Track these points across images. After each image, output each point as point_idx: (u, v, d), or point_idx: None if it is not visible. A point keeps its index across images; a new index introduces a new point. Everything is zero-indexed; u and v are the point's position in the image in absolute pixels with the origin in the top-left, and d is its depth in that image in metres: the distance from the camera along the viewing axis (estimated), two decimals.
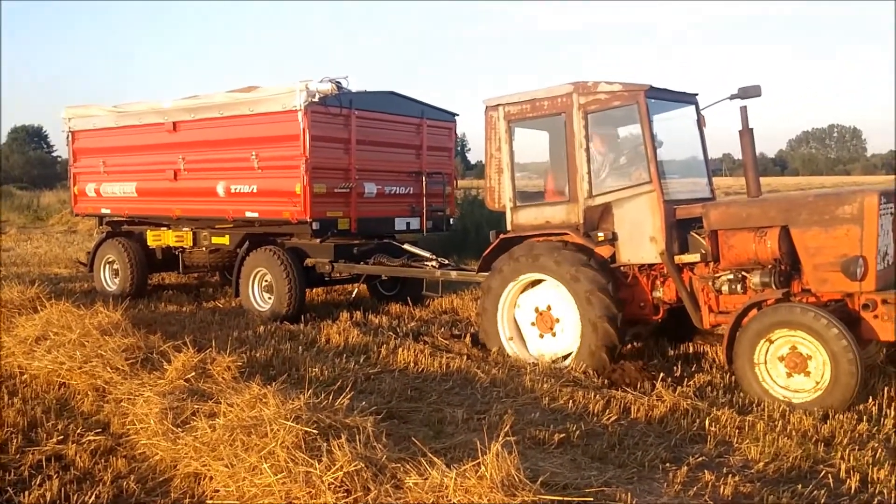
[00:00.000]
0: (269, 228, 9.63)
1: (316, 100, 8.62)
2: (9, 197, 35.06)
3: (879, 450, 4.53)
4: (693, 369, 6.72)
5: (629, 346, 7.33)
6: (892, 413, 5.25)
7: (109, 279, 11.37)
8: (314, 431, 4.27)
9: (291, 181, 8.83)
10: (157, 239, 10.83)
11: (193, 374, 5.90)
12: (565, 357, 6.77)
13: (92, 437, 4.92)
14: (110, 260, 11.30)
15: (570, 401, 5.61)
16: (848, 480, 4.16)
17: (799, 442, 4.69)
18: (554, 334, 6.87)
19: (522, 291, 7.07)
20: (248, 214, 9.49)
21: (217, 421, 4.68)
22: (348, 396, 5.05)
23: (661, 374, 6.27)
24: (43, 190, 39.87)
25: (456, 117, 10.72)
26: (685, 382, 6.13)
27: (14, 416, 5.41)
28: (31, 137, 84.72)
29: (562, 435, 4.84)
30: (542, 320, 6.93)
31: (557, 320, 6.83)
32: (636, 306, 6.85)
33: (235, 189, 9.52)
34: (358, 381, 6.29)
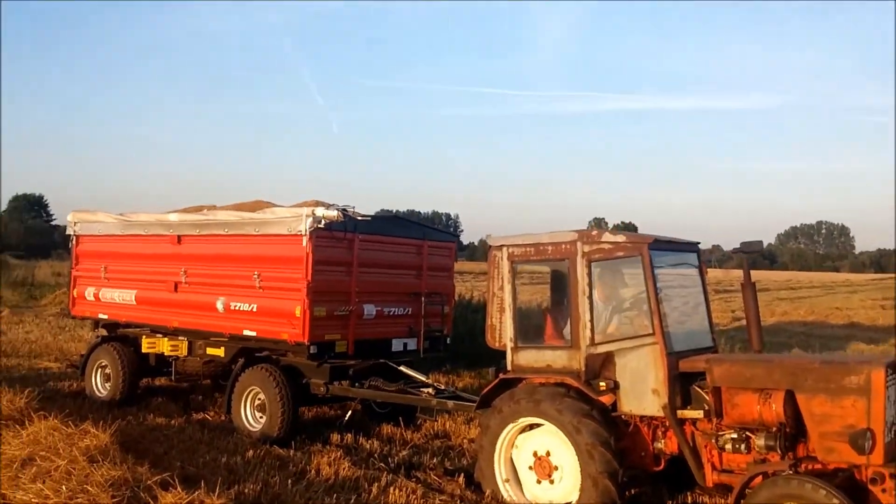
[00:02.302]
0: (265, 345, 9.59)
1: (321, 225, 8.74)
2: (5, 268, 34.99)
3: None
4: None
5: (628, 491, 7.19)
6: None
7: (101, 384, 11.26)
8: None
9: (292, 303, 8.86)
10: (151, 346, 10.75)
11: None
12: None
13: None
14: (103, 365, 11.21)
15: None
16: None
17: None
18: (552, 481, 6.75)
19: (521, 433, 6.99)
20: (246, 332, 9.48)
21: None
22: None
23: None
24: (38, 260, 39.92)
25: (457, 238, 10.89)
26: None
27: None
28: (32, 206, 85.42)
29: None
30: (540, 466, 6.82)
31: (556, 467, 6.72)
32: (637, 455, 6.75)
33: (235, 306, 9.54)
34: None
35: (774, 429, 5.89)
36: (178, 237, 10.28)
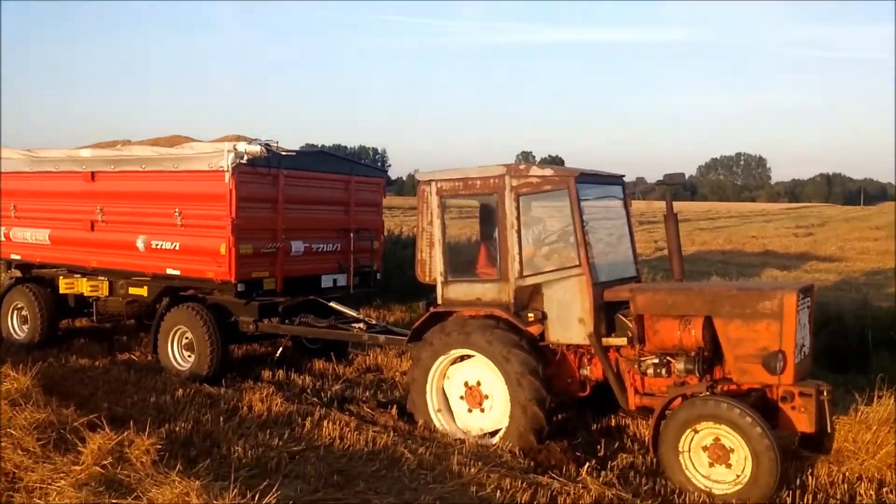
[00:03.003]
0: (191, 283, 9.36)
1: (244, 161, 8.45)
2: None
3: None
4: (616, 447, 6.89)
5: (555, 417, 7.46)
6: (804, 501, 5.52)
7: (17, 327, 10.83)
8: None
9: (216, 241, 8.62)
10: (70, 286, 10.33)
11: (110, 459, 5.64)
12: (493, 433, 6.84)
13: None
14: (19, 307, 10.77)
15: (498, 489, 5.64)
16: None
17: None
18: (483, 410, 6.94)
19: (452, 364, 7.13)
20: (170, 271, 9.21)
21: None
22: (275, 495, 4.93)
23: (586, 456, 6.44)
24: None
25: (385, 173, 10.77)
26: (608, 465, 6.28)
27: None
28: None
29: None
30: (471, 395, 7.00)
31: (486, 396, 6.91)
32: (563, 382, 7.01)
33: (156, 245, 9.22)
34: (282, 462, 6.15)
35: (693, 353, 6.17)
36: (92, 174, 9.78)
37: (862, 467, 6.14)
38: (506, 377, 6.62)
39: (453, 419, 7.14)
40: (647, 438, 6.25)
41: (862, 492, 5.83)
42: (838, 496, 5.81)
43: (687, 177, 7.31)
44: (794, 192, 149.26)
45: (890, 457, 6.07)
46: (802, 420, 5.85)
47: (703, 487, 5.70)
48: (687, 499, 5.63)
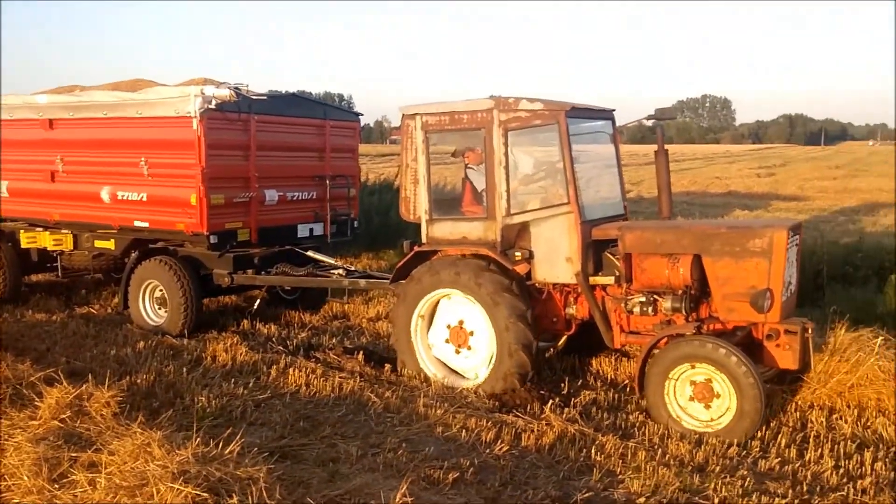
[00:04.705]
0: (160, 236, 9.10)
1: (213, 106, 8.13)
2: None
3: (749, 478, 4.88)
4: (580, 384, 6.97)
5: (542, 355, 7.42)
6: (759, 435, 5.65)
7: None
8: (204, 494, 4.12)
9: (186, 191, 8.33)
10: (32, 241, 9.97)
11: (69, 412, 5.54)
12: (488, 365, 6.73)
13: None
14: None
15: (464, 429, 5.70)
16: None
17: (676, 472, 4.97)
18: (469, 347, 6.85)
19: (435, 306, 7.01)
20: (137, 224, 8.92)
21: (98, 478, 4.44)
22: (239, 443, 4.89)
23: (550, 394, 6.51)
24: None
25: (360, 117, 10.49)
26: (572, 402, 6.36)
27: None
28: None
29: (455, 473, 4.90)
30: (455, 335, 6.89)
31: (472, 333, 6.80)
32: (549, 321, 6.96)
33: (122, 196, 8.91)
34: (248, 410, 6.13)
35: (680, 292, 6.14)
36: (50, 121, 9.36)
37: (814, 395, 6.30)
38: (493, 321, 6.52)
39: (439, 359, 7.02)
40: (634, 377, 6.21)
41: (813, 419, 6.01)
42: (791, 423, 5.98)
43: (653, 121, 7.18)
44: (758, 133, 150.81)
45: (840, 385, 6.22)
46: (787, 357, 5.91)
47: (673, 415, 5.78)
48: (647, 431, 5.72)
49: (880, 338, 6.35)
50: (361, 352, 7.64)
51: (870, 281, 9.96)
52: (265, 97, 8.83)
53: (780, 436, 5.63)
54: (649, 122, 7.19)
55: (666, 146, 6.86)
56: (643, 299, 6.34)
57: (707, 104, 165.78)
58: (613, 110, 7.39)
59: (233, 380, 6.82)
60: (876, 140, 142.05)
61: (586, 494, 4.69)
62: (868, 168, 43.18)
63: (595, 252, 6.61)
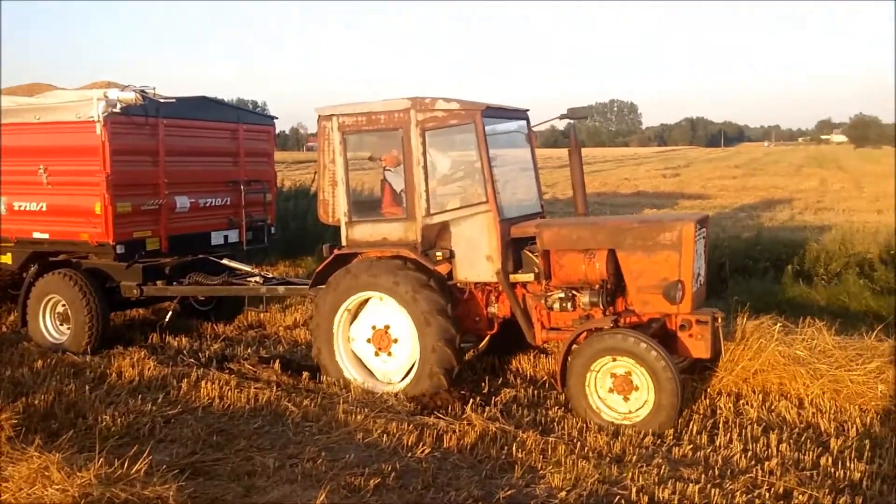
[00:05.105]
0: (62, 248, 8.60)
1: (117, 109, 7.75)
2: None
3: (664, 466, 4.99)
4: (500, 382, 7.01)
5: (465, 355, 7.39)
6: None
7: None
8: None
9: (90, 199, 7.90)
10: None
11: None
12: (404, 377, 6.70)
13: None
14: None
15: (384, 434, 5.61)
16: (639, 502, 4.55)
17: (595, 464, 5.04)
18: (390, 353, 6.76)
19: (359, 308, 6.89)
20: (37, 235, 8.42)
21: None
22: (146, 461, 4.67)
23: (471, 393, 6.50)
24: None
25: (275, 120, 10.22)
26: (492, 400, 6.37)
27: None
28: None
29: (377, 479, 4.82)
30: (379, 339, 6.78)
31: (395, 340, 6.72)
32: (471, 321, 6.94)
33: (19, 206, 8.41)
34: (156, 427, 5.85)
35: (598, 286, 6.24)
36: None
37: (721, 383, 6.54)
38: (414, 318, 6.45)
39: (362, 365, 6.90)
40: (554, 372, 6.27)
41: (721, 405, 6.22)
42: (701, 410, 6.18)
43: (565, 124, 7.29)
44: (663, 136, 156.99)
45: (745, 372, 6.47)
46: (699, 347, 6.07)
47: (592, 406, 5.86)
48: (566, 425, 5.79)
49: (778, 324, 6.65)
50: (278, 360, 7.43)
51: (768, 272, 10.47)
52: (173, 100, 8.48)
53: (691, 423, 5.80)
54: (562, 122, 7.29)
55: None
56: (562, 295, 6.42)
57: (615, 108, 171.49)
58: (527, 110, 7.48)
59: (140, 396, 6.51)
60: (770, 141, 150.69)
61: (509, 492, 4.69)
62: (764, 168, 45.65)
63: (514, 250, 6.66)
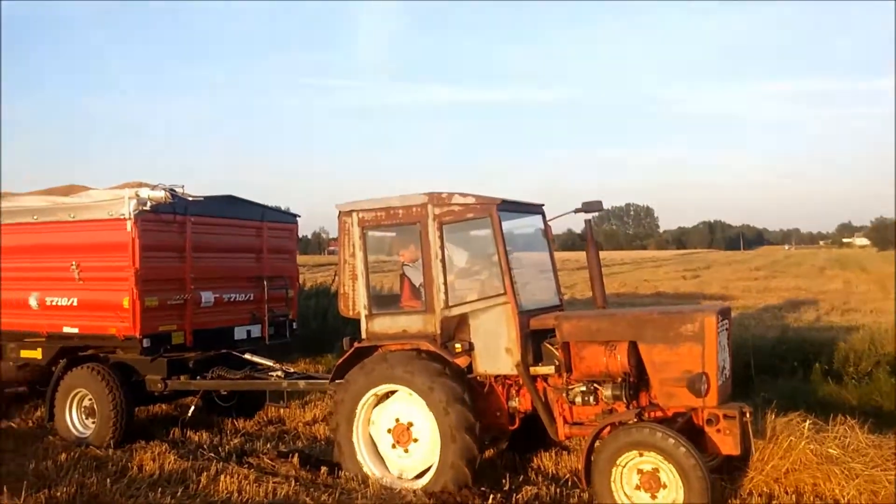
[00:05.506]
0: (91, 342, 8.78)
1: (147, 207, 8.10)
2: None
3: None
4: (521, 480, 6.86)
5: (487, 451, 7.29)
6: None
7: None
8: None
9: (119, 294, 8.15)
10: None
11: None
12: (423, 473, 6.58)
13: None
14: None
15: None
16: None
17: None
18: (407, 450, 6.70)
19: (378, 403, 6.87)
20: (67, 329, 8.63)
21: None
22: None
23: (491, 490, 6.38)
24: None
25: (298, 218, 10.55)
26: (513, 498, 6.25)
27: None
28: None
29: None
30: (399, 435, 6.73)
31: (416, 440, 6.66)
32: (492, 415, 6.87)
33: (52, 301, 8.67)
34: None
35: (620, 379, 6.18)
36: None
37: (752, 483, 6.33)
38: (432, 408, 6.42)
39: (383, 462, 6.83)
40: (578, 469, 6.12)
41: None
42: None
43: (581, 227, 7.43)
44: (681, 239, 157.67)
45: (776, 471, 6.28)
46: (728, 443, 5.91)
47: (618, 502, 5.70)
48: None
49: (808, 421, 6.51)
50: (297, 455, 7.39)
51: (796, 372, 10.30)
52: (201, 199, 8.84)
53: None
54: (578, 221, 7.44)
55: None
56: (584, 388, 6.35)
57: (631, 212, 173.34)
58: (542, 205, 7.65)
59: (160, 489, 6.49)
60: (791, 244, 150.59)
61: None
62: (786, 270, 45.44)
63: (534, 342, 6.66)
